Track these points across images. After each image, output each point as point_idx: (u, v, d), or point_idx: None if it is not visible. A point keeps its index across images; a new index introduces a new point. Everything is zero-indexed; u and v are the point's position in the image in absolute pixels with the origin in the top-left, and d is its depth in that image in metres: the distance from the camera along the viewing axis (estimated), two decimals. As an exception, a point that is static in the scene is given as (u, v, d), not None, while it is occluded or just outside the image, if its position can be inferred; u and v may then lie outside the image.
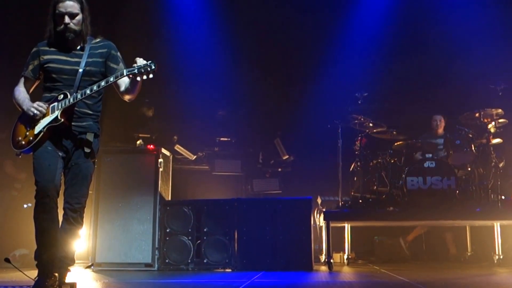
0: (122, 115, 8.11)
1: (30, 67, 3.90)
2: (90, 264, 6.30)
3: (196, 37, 9.19)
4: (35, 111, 3.69)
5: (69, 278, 3.83)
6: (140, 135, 7.64)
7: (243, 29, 8.98)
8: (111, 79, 3.71)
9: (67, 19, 3.76)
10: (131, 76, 3.68)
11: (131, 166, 6.63)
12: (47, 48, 3.87)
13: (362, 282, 5.24)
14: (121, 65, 3.95)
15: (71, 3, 3.78)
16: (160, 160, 6.62)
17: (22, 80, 3.93)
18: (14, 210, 7.32)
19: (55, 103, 3.72)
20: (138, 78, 3.66)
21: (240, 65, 8.94)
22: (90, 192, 6.60)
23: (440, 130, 7.78)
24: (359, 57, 8.89)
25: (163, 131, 8.25)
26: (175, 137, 8.30)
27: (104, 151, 6.70)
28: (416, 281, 4.96)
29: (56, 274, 3.67)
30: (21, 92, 3.87)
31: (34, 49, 3.92)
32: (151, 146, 6.77)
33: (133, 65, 3.65)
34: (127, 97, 3.90)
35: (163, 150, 6.80)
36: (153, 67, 3.60)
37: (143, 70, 3.60)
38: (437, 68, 8.58)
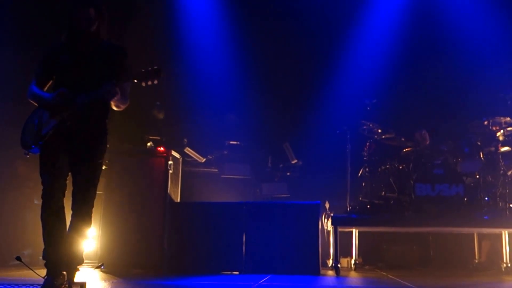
0: (133, 117, 8.17)
1: (43, 66, 3.95)
2: (100, 264, 6.33)
3: (207, 41, 9.26)
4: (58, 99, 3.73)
5: (78, 278, 3.87)
6: (150, 137, 7.68)
7: (254, 34, 9.04)
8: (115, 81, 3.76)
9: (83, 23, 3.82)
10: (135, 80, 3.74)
11: (141, 168, 6.68)
12: (59, 48, 3.93)
13: (370, 287, 5.26)
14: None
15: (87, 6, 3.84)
16: (170, 162, 6.67)
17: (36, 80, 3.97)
18: (26, 209, 7.40)
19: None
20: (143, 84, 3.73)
21: (250, 69, 9.00)
22: (99, 192, 6.66)
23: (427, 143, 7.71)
24: (368, 63, 8.92)
25: (173, 134, 8.30)
26: (185, 140, 8.35)
27: (114, 153, 6.76)
28: (425, 287, 4.98)
29: (65, 273, 3.71)
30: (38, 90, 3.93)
31: (47, 49, 3.98)
32: (161, 148, 6.82)
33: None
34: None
35: (173, 153, 6.85)
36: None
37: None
38: (446, 76, 8.59)
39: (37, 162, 3.84)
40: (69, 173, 3.89)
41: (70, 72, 3.85)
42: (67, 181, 3.88)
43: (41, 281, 3.65)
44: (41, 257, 3.79)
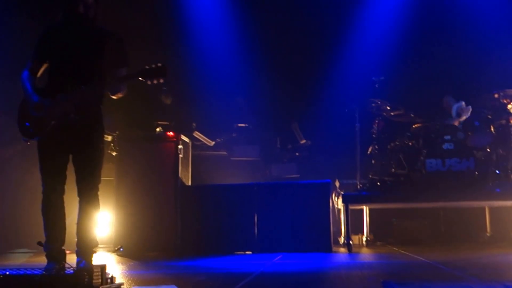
0: (141, 103, 8.21)
1: (38, 51, 3.88)
2: (119, 246, 6.42)
3: (213, 24, 9.24)
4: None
5: (96, 261, 3.93)
6: (159, 122, 7.72)
7: (260, 14, 8.99)
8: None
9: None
10: None
11: (151, 153, 6.74)
12: (54, 33, 3.88)
13: (382, 262, 5.31)
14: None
15: None
16: (180, 146, 6.72)
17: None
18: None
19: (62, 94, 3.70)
20: None
21: (256, 50, 8.97)
22: (111, 179, 6.78)
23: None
24: (375, 40, 8.86)
25: (181, 118, 8.32)
26: (194, 124, 8.38)
27: (124, 139, 6.82)
28: (436, 261, 5.02)
29: (65, 263, 3.76)
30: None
31: (42, 33, 3.91)
32: (171, 133, 6.85)
33: None
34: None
35: (183, 137, 6.89)
36: None
37: None
38: (455, 50, 8.51)
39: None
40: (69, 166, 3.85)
41: (65, 57, 3.79)
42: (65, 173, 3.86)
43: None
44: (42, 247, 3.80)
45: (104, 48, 3.84)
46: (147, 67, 3.64)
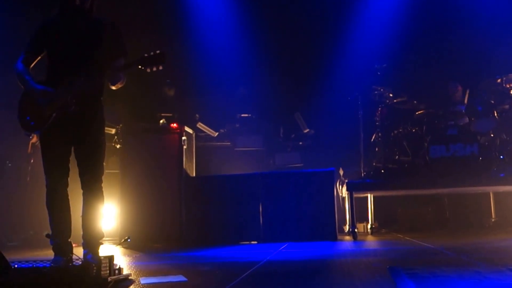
0: (144, 95, 8.22)
1: (34, 42, 3.86)
2: (126, 237, 6.43)
3: (215, 15, 9.21)
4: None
5: (103, 252, 3.95)
6: (162, 114, 7.72)
7: (261, 5, 8.96)
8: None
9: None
10: None
11: (155, 145, 6.74)
12: (51, 24, 3.86)
13: (388, 249, 5.32)
14: None
15: None
16: (184, 137, 6.72)
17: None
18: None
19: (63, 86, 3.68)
20: None
21: (258, 40, 8.95)
22: (115, 171, 6.80)
23: (458, 97, 7.70)
24: (377, 27, 8.82)
25: (185, 110, 8.33)
26: (197, 115, 8.38)
27: (127, 132, 6.82)
28: (442, 247, 5.02)
29: (72, 255, 3.77)
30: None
31: (39, 25, 3.88)
32: (174, 124, 6.85)
33: None
34: None
35: (186, 128, 6.89)
36: None
37: None
38: (457, 36, 8.46)
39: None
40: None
41: (63, 50, 3.77)
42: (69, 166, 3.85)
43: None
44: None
45: (102, 39, 3.81)
46: (146, 55, 3.63)
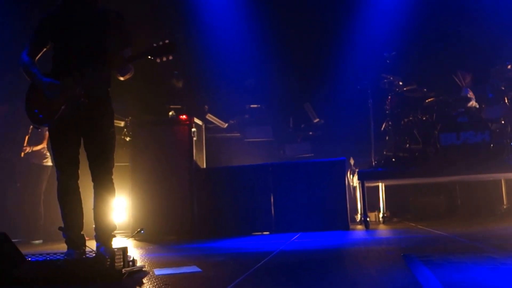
0: (153, 88, 8.22)
1: (39, 34, 3.85)
2: (140, 229, 6.43)
3: (224, 5, 9.17)
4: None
5: (116, 245, 3.96)
6: (171, 106, 7.73)
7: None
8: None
9: None
10: None
11: (165, 137, 6.74)
12: (55, 16, 3.83)
13: (401, 237, 5.31)
14: None
15: None
16: (193, 129, 6.71)
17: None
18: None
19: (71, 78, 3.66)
20: None
21: (267, 31, 8.90)
22: (126, 164, 6.81)
23: (466, 85, 7.62)
24: (386, 15, 8.75)
25: (194, 102, 8.32)
26: (206, 107, 8.38)
27: (137, 124, 6.83)
28: (455, 234, 5.00)
29: (85, 247, 3.79)
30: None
31: (43, 16, 3.86)
32: (184, 116, 6.85)
33: None
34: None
35: (196, 120, 6.89)
36: None
37: None
38: (467, 22, 8.38)
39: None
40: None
41: (69, 41, 3.74)
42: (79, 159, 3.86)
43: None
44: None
45: (107, 29, 3.77)
46: (154, 44, 3.60)
